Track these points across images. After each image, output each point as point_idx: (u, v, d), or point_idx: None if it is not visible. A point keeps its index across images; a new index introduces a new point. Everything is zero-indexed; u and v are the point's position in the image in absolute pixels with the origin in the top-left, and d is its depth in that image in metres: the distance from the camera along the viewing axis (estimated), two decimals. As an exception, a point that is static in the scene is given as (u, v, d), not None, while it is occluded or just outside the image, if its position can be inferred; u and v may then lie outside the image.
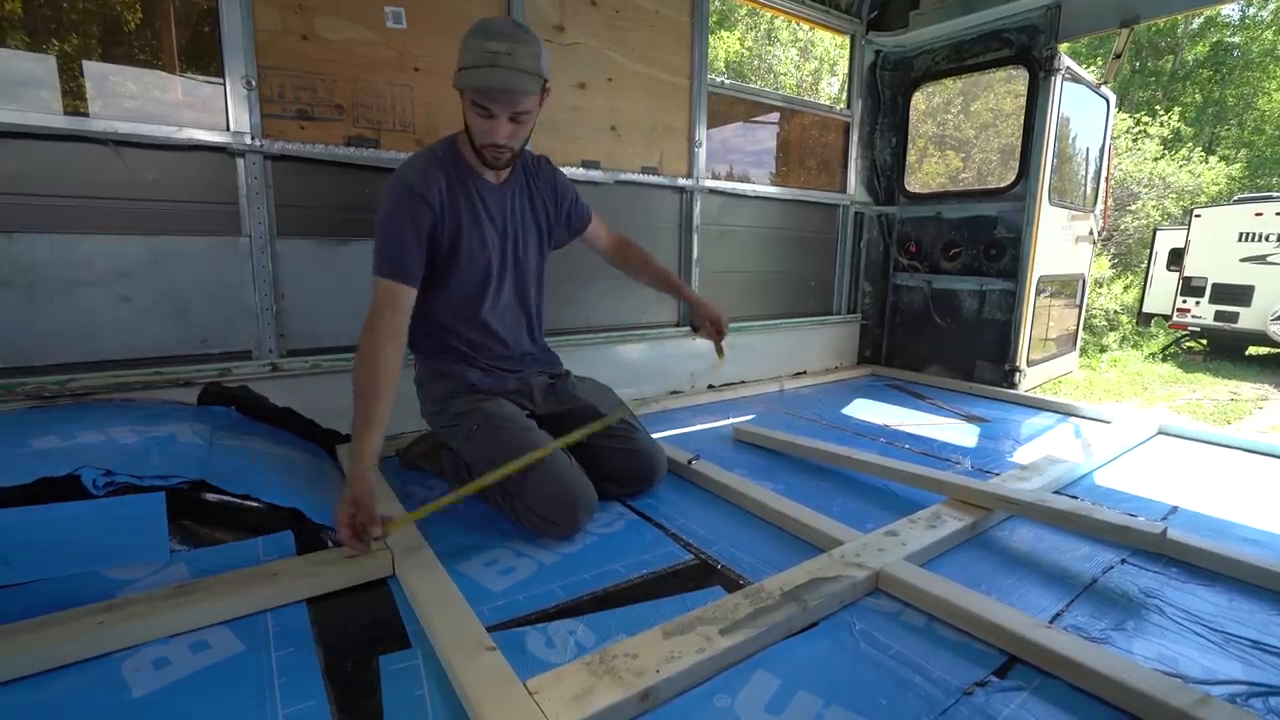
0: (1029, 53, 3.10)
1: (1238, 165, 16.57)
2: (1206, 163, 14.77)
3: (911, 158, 3.80)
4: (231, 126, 1.91)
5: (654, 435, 1.92)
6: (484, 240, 1.66)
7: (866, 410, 2.93)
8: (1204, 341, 10.23)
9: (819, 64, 15.90)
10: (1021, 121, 3.21)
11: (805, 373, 3.62)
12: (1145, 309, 11.58)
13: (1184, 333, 10.19)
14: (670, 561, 1.46)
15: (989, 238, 3.39)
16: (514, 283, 1.77)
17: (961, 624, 1.20)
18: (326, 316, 2.15)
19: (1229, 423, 6.37)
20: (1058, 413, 2.91)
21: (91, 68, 1.78)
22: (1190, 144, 16.03)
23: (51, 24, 1.74)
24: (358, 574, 1.31)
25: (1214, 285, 9.31)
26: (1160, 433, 2.59)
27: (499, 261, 1.71)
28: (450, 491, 1.81)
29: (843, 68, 3.88)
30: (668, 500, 1.81)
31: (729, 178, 3.32)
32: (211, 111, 1.91)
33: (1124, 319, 12.27)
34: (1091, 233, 3.80)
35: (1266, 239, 8.84)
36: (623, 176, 2.74)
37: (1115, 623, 1.25)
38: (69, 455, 1.39)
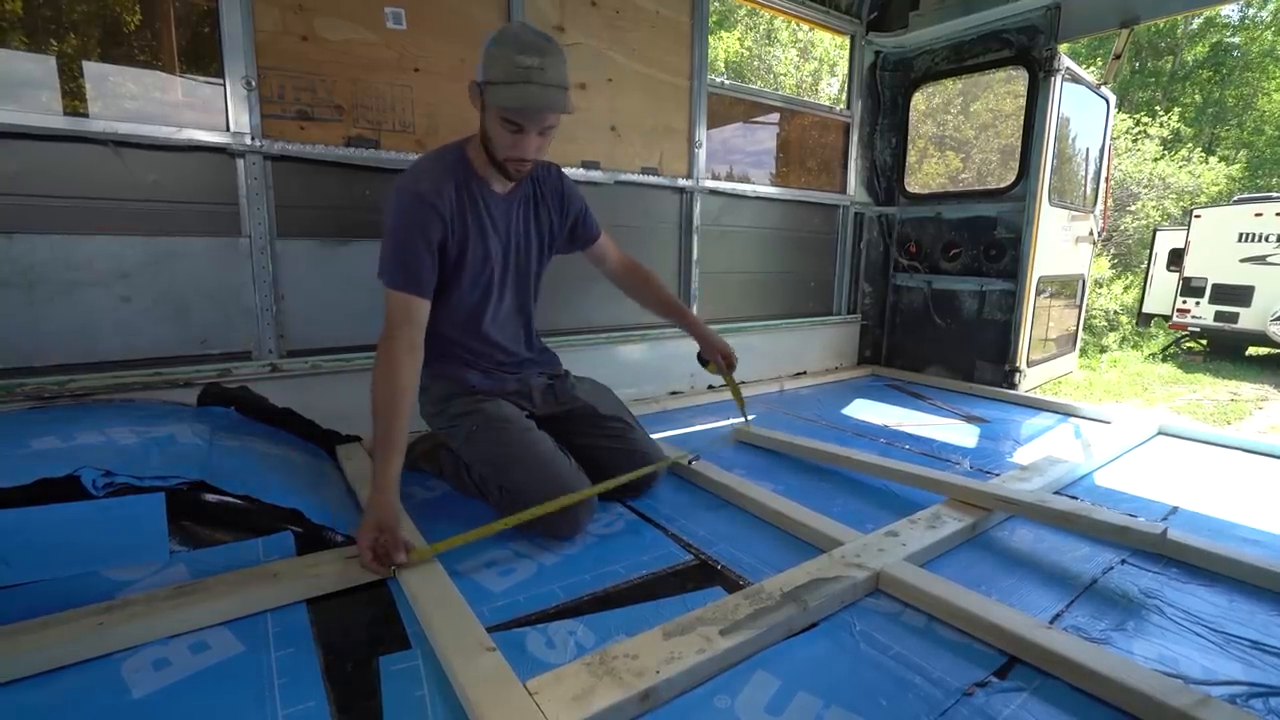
0: (1029, 53, 3.10)
1: (1237, 166, 16.57)
2: (1206, 163, 14.77)
3: (911, 158, 3.80)
4: (231, 127, 1.91)
5: (654, 435, 1.92)
6: (487, 252, 1.64)
7: (866, 410, 2.93)
8: (1204, 342, 10.23)
9: (819, 64, 15.91)
10: (1021, 122, 3.21)
11: (805, 373, 3.62)
12: (1145, 309, 11.58)
13: (1184, 333, 10.19)
14: (670, 562, 1.46)
15: (989, 238, 3.39)
16: (514, 293, 1.76)
17: (962, 624, 1.20)
18: (326, 317, 2.15)
19: (1229, 423, 6.37)
20: (1058, 413, 2.91)
21: (91, 68, 1.78)
22: (1190, 144, 16.03)
23: (51, 24, 1.74)
24: (358, 575, 1.30)
25: (1214, 286, 9.32)
26: (1160, 433, 2.59)
27: (501, 273, 1.70)
28: (454, 489, 1.83)
29: (842, 68, 3.88)
30: (668, 501, 1.81)
31: (729, 178, 3.32)
32: (211, 112, 1.91)
33: (1124, 319, 12.28)
34: (1091, 233, 3.80)
35: (1266, 239, 8.84)
36: (622, 177, 2.74)
37: (1115, 623, 1.25)
38: (69, 456, 1.39)
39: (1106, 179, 3.85)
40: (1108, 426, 2.66)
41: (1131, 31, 2.94)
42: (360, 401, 2.06)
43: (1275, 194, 9.48)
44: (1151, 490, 1.98)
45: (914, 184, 4.43)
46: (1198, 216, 9.58)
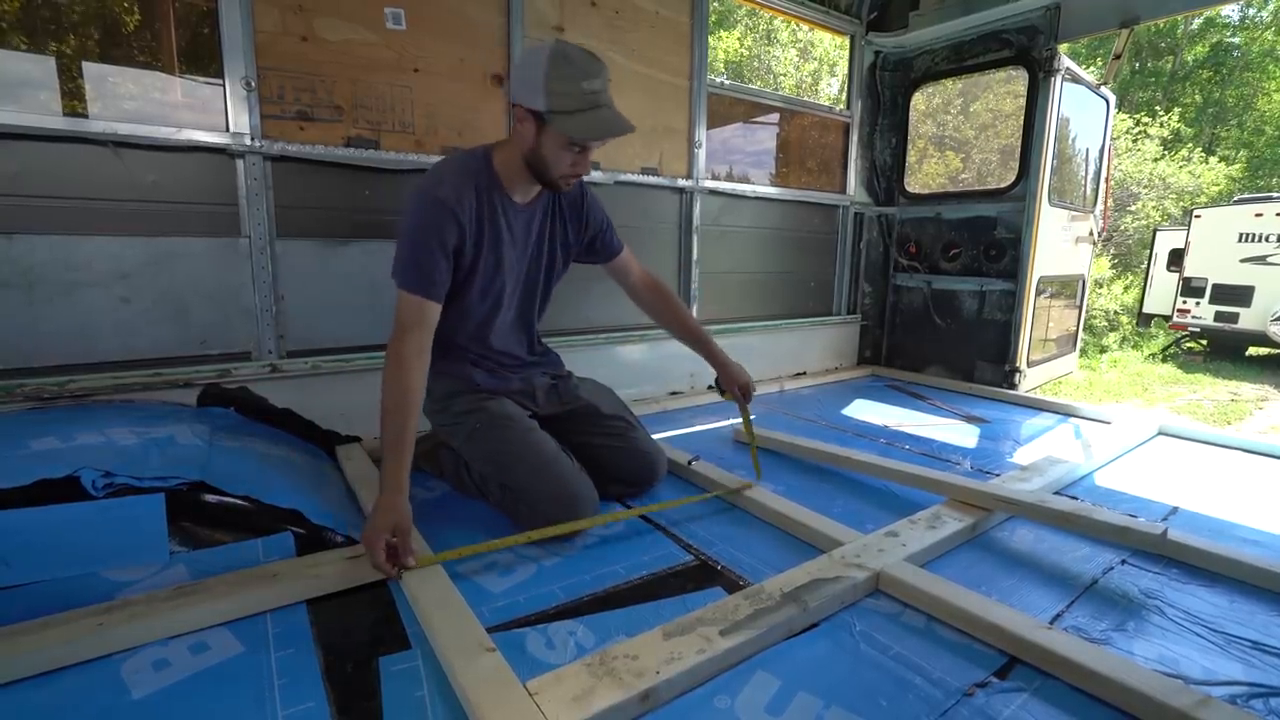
0: (1029, 53, 3.10)
1: (1238, 166, 16.56)
2: (1206, 163, 14.77)
3: (911, 158, 3.80)
4: (231, 127, 1.91)
5: (654, 435, 1.92)
6: (500, 262, 1.63)
7: (866, 411, 2.93)
8: (1204, 342, 10.23)
9: (818, 65, 15.91)
10: (1021, 122, 3.21)
11: (805, 373, 3.62)
12: (1145, 309, 11.59)
13: (1184, 333, 10.19)
14: (670, 562, 1.46)
15: (989, 238, 3.39)
16: (522, 304, 1.76)
17: (962, 625, 1.20)
18: (326, 317, 2.15)
19: (1229, 423, 6.37)
20: (1058, 413, 2.91)
21: (91, 69, 1.78)
22: (1190, 145, 16.02)
23: (51, 25, 1.74)
24: (358, 575, 1.30)
25: (1214, 286, 9.32)
26: (1160, 433, 2.59)
27: (512, 285, 1.70)
28: (453, 489, 1.83)
29: (842, 68, 3.89)
30: (668, 501, 1.81)
31: (729, 178, 3.32)
32: (211, 112, 1.91)
33: (1124, 319, 12.28)
34: (1091, 233, 3.80)
35: (1266, 239, 8.84)
36: (622, 177, 2.74)
37: (1116, 623, 1.25)
38: (68, 456, 1.39)
39: (1106, 179, 3.85)
40: (1108, 427, 2.66)
41: (1131, 31, 2.94)
42: (359, 401, 2.09)
43: (1275, 194, 9.49)
44: (1152, 490, 1.98)
45: (914, 184, 4.43)
46: (1198, 217, 9.58)
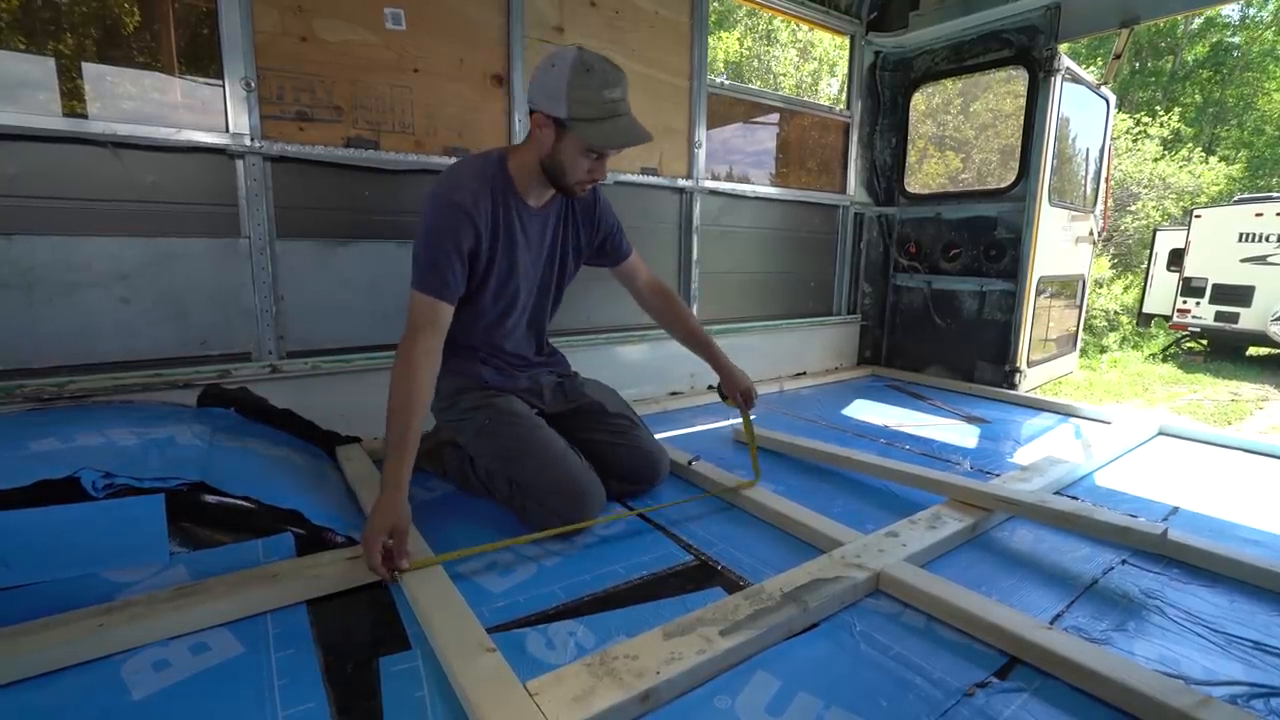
0: (1029, 53, 3.10)
1: (1238, 166, 16.57)
2: (1206, 163, 14.77)
3: (911, 158, 3.80)
4: (231, 128, 1.91)
5: (654, 435, 1.92)
6: (514, 266, 1.65)
7: (866, 411, 2.93)
8: (1204, 342, 10.23)
9: (818, 65, 15.91)
10: (1021, 122, 3.21)
11: (805, 373, 3.62)
12: (1145, 309, 11.58)
13: (1184, 333, 10.19)
14: (670, 562, 1.46)
15: (989, 238, 3.39)
16: (534, 308, 1.78)
17: (962, 625, 1.19)
18: (326, 318, 2.15)
19: (1229, 423, 6.37)
20: (1058, 413, 2.91)
21: (90, 69, 1.78)
22: (1190, 144, 16.02)
23: (50, 25, 1.74)
24: (358, 576, 1.30)
25: (1214, 286, 9.32)
26: (1161, 433, 2.59)
27: (526, 288, 1.71)
28: (458, 487, 1.83)
29: (842, 68, 3.88)
30: (668, 501, 1.81)
31: (729, 178, 3.32)
32: (211, 113, 1.91)
33: (1124, 319, 12.28)
34: (1091, 233, 3.80)
35: (1267, 239, 8.84)
36: (622, 177, 2.74)
37: (1116, 624, 1.25)
38: (68, 457, 1.39)
39: (1106, 179, 3.85)
40: (1108, 427, 2.66)
41: (1131, 31, 2.94)
42: (360, 402, 2.09)
43: (1275, 194, 9.49)
44: (1152, 490, 1.98)
45: (914, 184, 4.43)
46: (1198, 216, 9.58)
